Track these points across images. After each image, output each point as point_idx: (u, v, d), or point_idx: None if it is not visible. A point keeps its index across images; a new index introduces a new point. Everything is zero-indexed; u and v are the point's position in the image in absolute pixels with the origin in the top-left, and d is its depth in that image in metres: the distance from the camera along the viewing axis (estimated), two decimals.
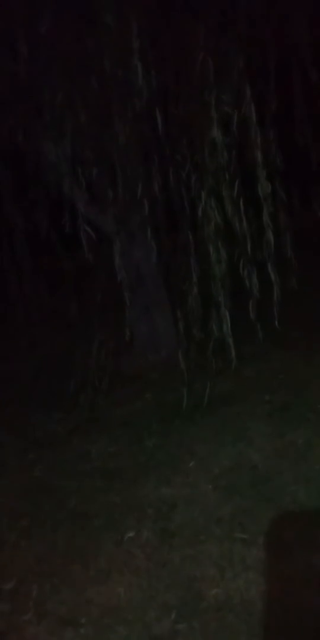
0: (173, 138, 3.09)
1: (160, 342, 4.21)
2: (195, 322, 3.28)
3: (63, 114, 3.03)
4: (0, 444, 3.46)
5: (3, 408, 3.84)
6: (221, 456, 2.91)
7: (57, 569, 2.33)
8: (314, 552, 2.14)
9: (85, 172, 3.19)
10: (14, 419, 3.74)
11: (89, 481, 2.93)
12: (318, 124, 3.54)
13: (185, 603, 2.04)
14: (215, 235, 3.09)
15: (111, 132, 3.05)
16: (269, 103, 3.22)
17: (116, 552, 2.37)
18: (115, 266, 3.41)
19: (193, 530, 2.40)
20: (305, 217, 4.01)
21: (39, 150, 3.42)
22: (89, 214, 3.52)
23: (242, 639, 1.86)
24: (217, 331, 3.21)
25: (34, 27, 2.90)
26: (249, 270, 3.11)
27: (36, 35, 2.94)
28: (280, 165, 3.15)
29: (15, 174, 3.57)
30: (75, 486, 2.90)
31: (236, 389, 3.56)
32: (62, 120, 3.05)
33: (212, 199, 3.05)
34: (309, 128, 3.49)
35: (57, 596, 2.19)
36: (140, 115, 3.08)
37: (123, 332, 3.61)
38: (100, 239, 3.45)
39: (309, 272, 3.27)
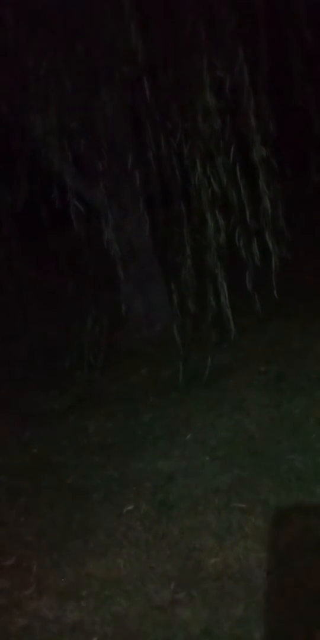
0: (164, 105, 2.99)
1: (155, 316, 4.17)
2: (190, 295, 3.24)
3: (48, 83, 2.91)
4: None
5: None
6: (218, 428, 2.91)
7: (56, 544, 2.35)
8: (311, 519, 2.16)
9: (72, 143, 3.09)
10: (10, 398, 3.73)
11: (86, 457, 2.94)
12: (314, 87, 3.44)
13: (185, 573, 2.07)
14: (210, 204, 3.02)
15: (99, 100, 2.94)
16: (263, 66, 3.11)
17: (115, 525, 2.38)
18: (107, 241, 3.35)
19: (191, 501, 2.42)
20: (300, 183, 3.93)
21: (23, 122, 3.31)
22: (78, 187, 3.44)
23: (240, 606, 1.88)
24: (213, 303, 3.18)
25: None
26: (245, 240, 3.05)
27: (19, 1, 2.81)
28: (274, 131, 3.06)
29: None
30: (73, 462, 2.90)
31: (232, 361, 3.55)
32: (47, 90, 2.94)
33: (206, 167, 2.97)
34: (305, 92, 3.39)
35: (58, 571, 2.21)
36: (129, 82, 2.97)
37: (117, 308, 3.58)
38: (91, 213, 3.38)
39: (303, 239, 3.22)
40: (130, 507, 2.46)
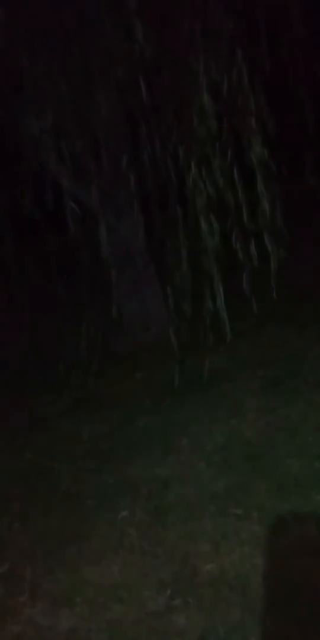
0: (159, 107, 2.98)
1: (151, 320, 4.16)
2: (186, 299, 3.23)
3: (43, 84, 2.90)
4: None
5: None
6: (214, 433, 2.90)
7: (51, 551, 2.32)
8: (307, 525, 2.14)
9: (67, 145, 3.08)
10: (3, 403, 3.69)
11: (81, 462, 2.91)
12: (311, 88, 3.44)
13: (180, 579, 2.04)
14: (206, 207, 3.01)
15: (94, 102, 2.93)
16: (260, 68, 3.11)
17: (110, 531, 2.36)
18: (102, 243, 3.33)
19: (187, 507, 2.39)
20: (297, 185, 3.94)
21: (19, 123, 3.30)
22: (73, 189, 3.42)
23: (236, 612, 1.86)
24: (209, 306, 3.17)
25: None
26: (242, 243, 3.05)
27: (15, 3, 2.80)
28: (273, 134, 3.06)
29: None
30: (67, 468, 2.87)
31: (228, 365, 3.54)
32: (43, 91, 2.93)
33: (202, 169, 2.96)
34: (303, 95, 3.40)
35: (52, 577, 2.18)
36: (125, 84, 2.97)
37: (112, 311, 3.56)
38: (86, 215, 3.36)
39: (301, 242, 3.22)
40: (125, 513, 2.43)
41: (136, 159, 3.06)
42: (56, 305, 4.20)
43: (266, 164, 3.02)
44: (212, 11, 2.92)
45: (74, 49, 2.87)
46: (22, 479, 2.86)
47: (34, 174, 3.37)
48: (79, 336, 3.69)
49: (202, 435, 2.90)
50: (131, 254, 4.00)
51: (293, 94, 3.38)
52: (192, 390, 3.33)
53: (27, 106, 3.19)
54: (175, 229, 3.14)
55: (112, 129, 3.07)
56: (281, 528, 2.16)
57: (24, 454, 3.11)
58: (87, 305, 3.64)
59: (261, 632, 1.76)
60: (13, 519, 2.56)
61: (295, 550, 2.05)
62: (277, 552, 2.06)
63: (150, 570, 2.12)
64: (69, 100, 2.93)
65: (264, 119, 3.03)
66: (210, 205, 3.01)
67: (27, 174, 3.37)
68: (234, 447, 2.74)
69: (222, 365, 3.53)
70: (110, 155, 3.15)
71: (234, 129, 2.97)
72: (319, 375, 3.19)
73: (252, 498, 2.34)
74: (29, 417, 3.51)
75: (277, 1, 3.26)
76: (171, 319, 3.30)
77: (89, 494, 2.62)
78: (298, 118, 3.44)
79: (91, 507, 2.53)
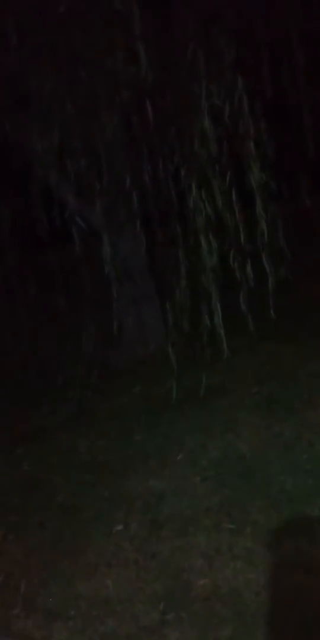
0: (162, 128, 3.06)
1: (149, 335, 4.20)
2: (184, 315, 3.27)
3: (49, 105, 2.99)
4: None
5: None
6: (209, 448, 2.92)
7: (45, 563, 2.33)
8: (301, 540, 2.16)
9: (72, 164, 3.15)
10: (2, 414, 3.71)
11: (77, 475, 2.93)
12: (310, 114, 3.54)
13: (174, 594, 2.05)
14: (205, 226, 3.08)
15: (99, 123, 3.01)
16: (260, 94, 3.20)
17: (105, 545, 2.37)
18: (103, 259, 3.39)
19: (181, 521, 2.41)
20: (293, 206, 4.01)
21: (24, 142, 3.38)
22: (76, 206, 3.49)
23: (229, 627, 1.87)
24: (207, 323, 3.21)
25: (19, 16, 2.85)
26: (239, 262, 3.11)
27: (21, 24, 2.89)
28: (272, 156, 3.14)
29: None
30: (63, 480, 2.89)
31: (224, 381, 3.57)
32: (49, 112, 3.01)
33: (202, 189, 3.03)
34: (302, 118, 3.49)
35: (46, 590, 2.19)
36: (129, 106, 3.05)
37: (111, 326, 3.60)
38: (88, 232, 3.43)
39: (297, 261, 3.28)
40: (120, 527, 2.45)
41: (138, 178, 3.13)
42: (56, 318, 4.24)
43: (265, 185, 3.10)
44: (214, 37, 3.02)
45: (79, 70, 2.96)
46: (19, 490, 2.87)
47: (37, 191, 3.44)
48: (78, 350, 3.72)
49: (197, 449, 2.92)
50: (131, 270, 4.05)
51: (292, 118, 3.47)
52: (188, 405, 3.36)
53: (32, 125, 3.26)
54: (174, 246, 3.20)
55: (115, 149, 3.14)
56: (274, 543, 2.18)
57: (21, 465, 3.13)
58: (86, 319, 3.68)
59: None
60: (8, 530, 2.57)
61: (289, 566, 2.06)
62: (271, 567, 2.08)
63: (144, 584, 2.13)
64: (73, 120, 3.01)
65: (264, 142, 3.11)
66: (209, 224, 3.08)
67: (30, 191, 3.44)
68: (228, 462, 2.76)
69: (219, 381, 3.56)
70: (113, 174, 3.22)
71: (234, 152, 3.05)
72: (313, 393, 3.23)
73: (246, 513, 2.36)
74: (27, 429, 3.53)
75: (277, 28, 3.36)
76: (169, 334, 3.34)
77: (84, 506, 2.64)
78: (297, 141, 3.53)
79: (86, 520, 2.55)
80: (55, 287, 3.92)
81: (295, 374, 3.51)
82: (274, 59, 3.44)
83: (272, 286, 3.16)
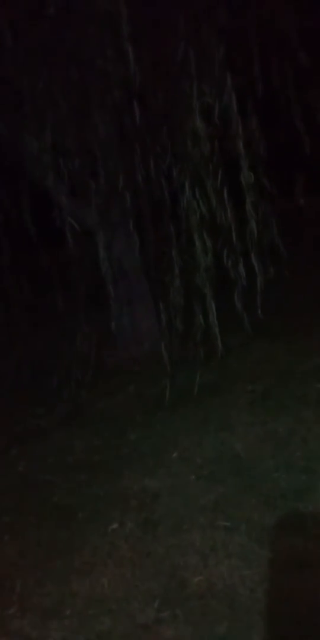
0: (154, 128, 3.07)
1: (143, 334, 4.21)
2: (178, 314, 3.28)
3: (42, 104, 2.99)
4: None
5: None
6: (204, 446, 2.93)
7: (41, 563, 2.33)
8: (295, 537, 2.18)
9: (65, 164, 3.15)
10: None
11: (72, 475, 2.93)
12: (303, 112, 3.56)
13: (169, 591, 2.06)
14: (198, 226, 3.09)
15: (92, 123, 3.01)
16: (251, 92, 3.22)
17: (100, 544, 2.37)
18: (97, 259, 3.39)
19: (176, 519, 2.42)
20: (285, 204, 4.04)
21: (17, 142, 3.37)
22: (70, 206, 3.49)
23: (224, 624, 1.88)
24: (201, 322, 3.22)
25: (12, 17, 2.85)
26: (233, 260, 3.12)
27: (15, 25, 2.88)
28: (263, 155, 3.15)
29: None
30: (58, 480, 2.89)
31: (219, 380, 3.59)
32: (42, 111, 3.01)
33: (195, 188, 3.04)
34: (294, 117, 3.50)
35: (41, 589, 2.19)
36: (121, 106, 3.05)
37: (106, 326, 3.60)
38: (82, 232, 3.43)
39: (290, 259, 3.30)
40: (115, 526, 2.45)
41: (131, 178, 3.14)
42: (51, 319, 4.23)
43: (258, 184, 3.12)
44: (205, 36, 3.03)
45: (72, 71, 2.96)
46: (14, 490, 2.87)
47: (31, 191, 3.44)
48: (73, 349, 3.72)
49: (192, 448, 2.93)
50: (125, 270, 4.06)
51: (284, 117, 3.49)
52: (183, 404, 3.37)
53: (26, 125, 3.26)
54: (168, 246, 3.21)
55: (108, 149, 3.15)
56: (269, 541, 2.20)
57: (17, 465, 3.12)
58: (81, 319, 3.68)
59: None
60: (3, 531, 2.56)
61: (283, 563, 2.08)
62: (265, 564, 2.09)
63: (139, 582, 2.14)
64: (67, 121, 3.01)
65: (256, 141, 3.12)
66: (202, 223, 3.09)
67: (24, 191, 3.44)
68: (223, 460, 2.78)
69: (213, 380, 3.57)
70: (107, 174, 3.23)
71: (226, 150, 3.06)
72: (306, 390, 3.25)
73: (240, 511, 2.38)
74: (22, 429, 3.52)
75: (269, 26, 3.38)
76: (163, 334, 3.35)
77: (79, 506, 2.64)
78: (289, 140, 3.55)
79: (82, 519, 2.55)
80: (49, 287, 3.92)
81: (289, 371, 3.53)
82: (266, 58, 3.45)
83: (266, 285, 3.18)
